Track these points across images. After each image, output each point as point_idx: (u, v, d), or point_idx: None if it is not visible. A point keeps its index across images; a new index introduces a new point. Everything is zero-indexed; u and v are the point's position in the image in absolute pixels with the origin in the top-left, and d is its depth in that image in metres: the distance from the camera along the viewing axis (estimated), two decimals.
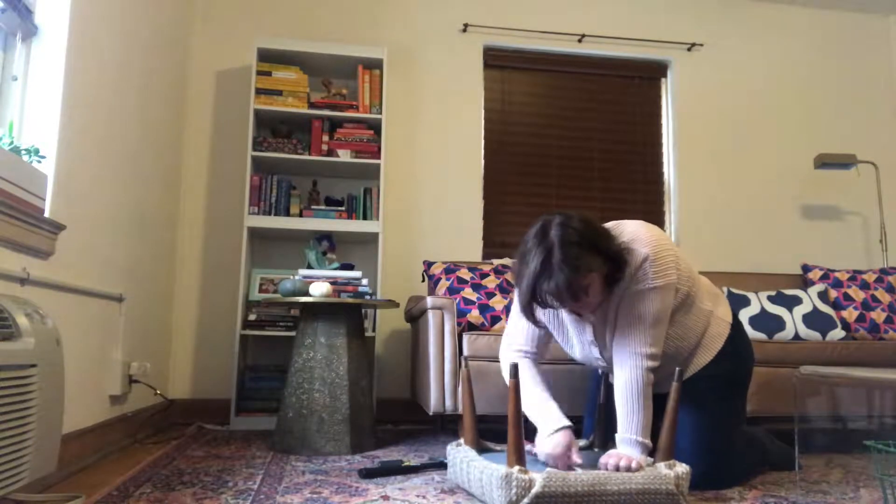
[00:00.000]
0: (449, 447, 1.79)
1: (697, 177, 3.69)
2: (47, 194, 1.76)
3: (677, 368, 1.62)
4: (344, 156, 3.09)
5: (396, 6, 3.54)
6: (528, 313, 1.66)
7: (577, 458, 1.63)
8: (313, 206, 3.10)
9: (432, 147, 3.48)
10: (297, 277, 2.54)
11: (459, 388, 2.36)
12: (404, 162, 3.44)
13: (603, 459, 1.58)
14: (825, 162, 3.50)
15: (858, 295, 2.98)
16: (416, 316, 2.76)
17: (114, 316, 2.29)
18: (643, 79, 3.77)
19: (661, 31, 3.76)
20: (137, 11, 2.45)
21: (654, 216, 3.65)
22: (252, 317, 2.97)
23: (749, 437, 1.99)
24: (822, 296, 2.92)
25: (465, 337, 2.42)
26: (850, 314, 2.91)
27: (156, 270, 2.82)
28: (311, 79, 3.27)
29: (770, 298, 2.89)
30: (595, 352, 1.79)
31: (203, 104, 3.31)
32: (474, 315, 2.58)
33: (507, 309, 2.62)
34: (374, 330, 3.10)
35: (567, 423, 1.69)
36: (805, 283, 3.20)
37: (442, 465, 2.00)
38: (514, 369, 1.52)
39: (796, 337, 2.78)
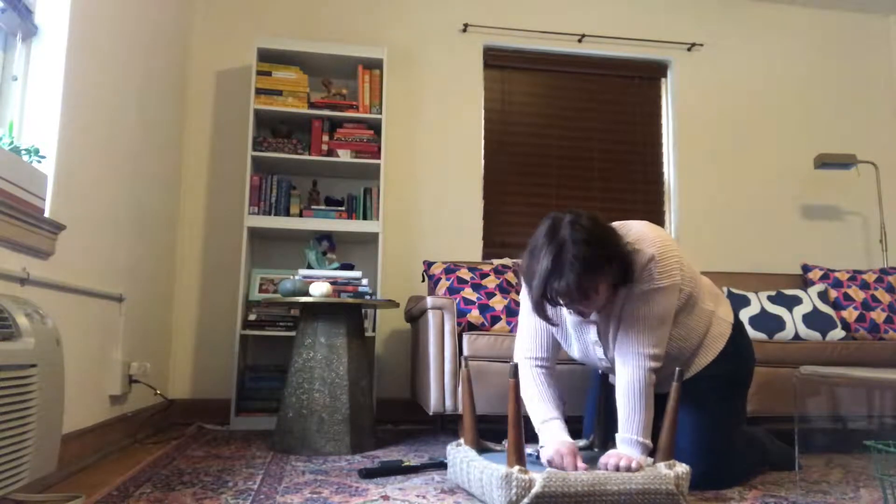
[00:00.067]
0: (449, 447, 1.79)
1: (697, 177, 3.69)
2: (47, 194, 1.76)
3: (677, 368, 1.62)
4: (344, 156, 3.09)
5: (396, 6, 3.54)
6: (540, 311, 1.65)
7: (581, 464, 1.61)
8: (313, 206, 3.10)
9: (432, 147, 3.48)
10: (297, 277, 2.54)
11: (459, 388, 2.36)
12: (404, 162, 3.44)
13: (603, 459, 1.58)
14: (825, 162, 3.50)
15: (858, 295, 2.98)
16: (416, 316, 2.76)
17: (114, 316, 2.29)
18: (643, 79, 3.77)
19: (661, 31, 3.76)
20: (137, 11, 2.45)
21: (654, 216, 3.65)
22: (252, 317, 2.97)
23: (749, 437, 1.99)
24: (822, 296, 2.92)
25: (465, 337, 2.42)
26: (850, 314, 2.91)
27: (156, 270, 2.82)
28: (311, 79, 3.27)
29: (770, 298, 2.89)
30: (599, 352, 1.79)
31: (203, 104, 3.31)
32: (474, 315, 2.58)
33: (507, 309, 2.62)
34: (374, 330, 3.10)
35: (570, 441, 1.67)
36: (805, 283, 3.20)
37: (442, 465, 2.00)
38: (514, 369, 1.52)
39: (796, 337, 2.78)
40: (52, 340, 1.42)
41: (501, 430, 2.67)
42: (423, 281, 3.03)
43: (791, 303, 2.87)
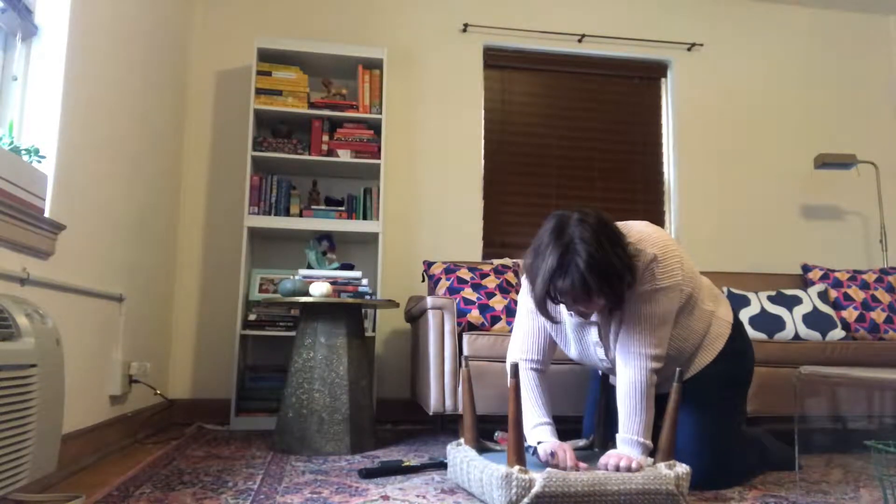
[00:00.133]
0: (449, 447, 1.79)
1: (697, 177, 3.69)
2: (47, 194, 1.76)
3: (678, 369, 1.62)
4: (344, 156, 3.09)
5: (396, 6, 3.54)
6: (542, 309, 1.64)
7: (580, 463, 1.61)
8: (313, 206, 3.10)
9: (432, 147, 3.48)
10: (297, 277, 2.54)
11: (459, 388, 2.36)
12: (404, 162, 3.44)
13: (603, 460, 1.58)
14: (825, 162, 3.50)
15: (858, 295, 2.98)
16: (416, 316, 2.76)
17: (114, 316, 2.29)
18: (643, 79, 3.77)
19: (661, 31, 3.76)
20: (137, 11, 2.45)
21: (655, 216, 3.65)
22: (252, 317, 2.97)
23: (749, 437, 1.99)
24: (822, 296, 2.92)
25: (465, 337, 2.42)
26: (850, 314, 2.91)
27: (156, 270, 2.82)
28: (311, 79, 3.27)
29: (770, 298, 2.89)
30: (600, 353, 1.79)
31: (203, 104, 3.31)
32: (474, 315, 2.58)
33: (507, 309, 2.62)
34: (374, 330, 3.10)
35: (558, 443, 1.67)
36: (805, 283, 3.20)
37: (442, 465, 2.00)
38: (515, 369, 1.52)
39: (796, 337, 2.78)
40: (52, 340, 1.42)
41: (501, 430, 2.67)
42: (423, 281, 3.03)
43: (791, 303, 2.87)
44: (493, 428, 2.81)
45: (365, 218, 3.11)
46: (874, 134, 3.89)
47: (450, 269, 2.82)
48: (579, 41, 3.67)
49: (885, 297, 2.97)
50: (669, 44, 3.74)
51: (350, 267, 2.85)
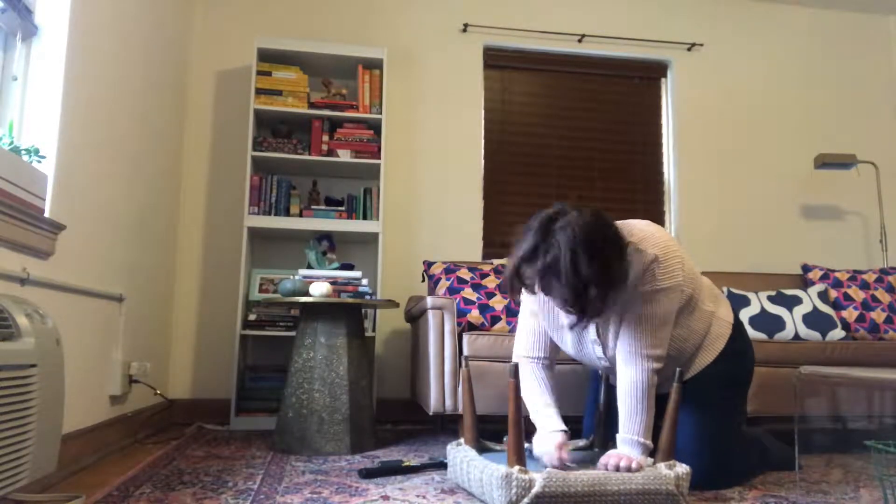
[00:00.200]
0: (449, 447, 1.79)
1: (697, 177, 3.69)
2: (47, 194, 1.76)
3: (678, 369, 1.62)
4: (344, 156, 3.09)
5: (396, 6, 3.54)
6: (510, 290, 1.60)
7: (565, 454, 1.63)
8: (313, 206, 3.10)
9: (432, 147, 3.48)
10: (297, 277, 2.54)
11: (459, 388, 2.36)
12: (404, 162, 3.44)
13: (603, 460, 1.58)
14: (825, 162, 3.50)
15: (858, 295, 2.98)
16: (416, 316, 2.76)
17: (114, 316, 2.29)
18: (643, 79, 3.77)
19: (661, 31, 3.76)
20: (137, 11, 2.45)
21: (655, 216, 3.65)
22: (252, 317, 2.97)
23: (749, 437, 1.99)
24: (822, 296, 2.92)
25: (465, 337, 2.42)
26: (850, 314, 2.91)
27: (156, 270, 2.82)
28: (311, 79, 3.27)
29: (770, 298, 2.89)
30: (598, 351, 1.79)
31: (203, 104, 3.31)
32: (474, 315, 2.58)
33: (507, 309, 2.62)
34: (374, 330, 3.10)
35: (562, 427, 1.70)
36: (805, 283, 3.20)
37: (442, 465, 2.00)
38: (514, 369, 1.52)
39: (796, 337, 2.78)
40: (52, 340, 1.42)
41: (501, 430, 2.67)
42: (423, 281, 3.03)
43: (791, 303, 2.87)
44: (493, 428, 2.82)
45: (365, 218, 3.11)
46: (874, 134, 3.89)
47: (450, 269, 2.82)
48: (579, 41, 3.67)
49: (885, 297, 2.97)
50: (669, 44, 3.74)
51: (350, 267, 2.85)
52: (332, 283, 2.55)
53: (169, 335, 3.09)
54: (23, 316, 1.34)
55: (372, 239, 3.19)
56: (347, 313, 2.44)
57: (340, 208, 3.11)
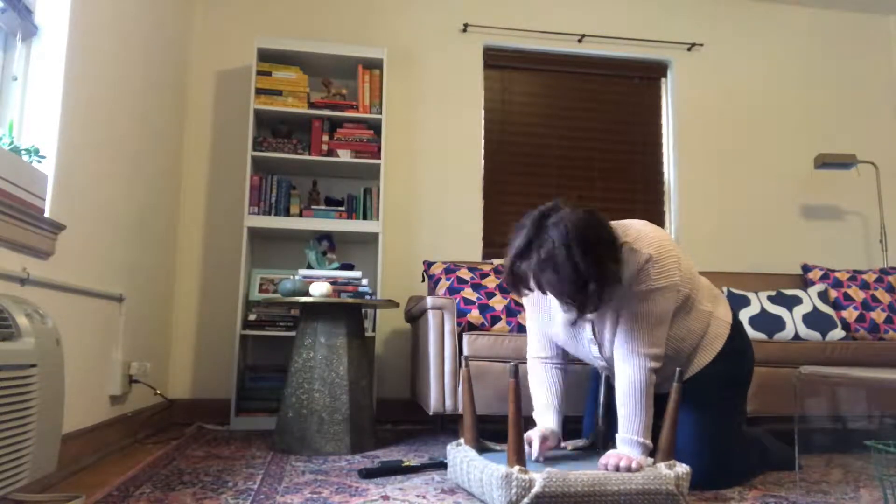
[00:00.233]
0: (449, 447, 1.79)
1: (697, 177, 3.69)
2: (47, 194, 1.76)
3: (677, 369, 1.62)
4: (344, 156, 3.09)
5: (396, 6, 3.54)
6: (509, 285, 1.61)
7: (535, 448, 1.70)
8: (313, 206, 3.10)
9: (432, 147, 3.48)
10: (297, 277, 2.54)
11: (459, 388, 2.36)
12: (404, 162, 3.44)
13: (603, 460, 1.58)
14: (825, 162, 3.50)
15: (858, 295, 2.98)
16: (416, 316, 2.76)
17: (114, 316, 2.29)
18: (643, 79, 3.77)
19: (661, 31, 3.76)
20: (137, 11, 2.45)
21: (654, 216, 3.65)
22: (252, 317, 2.97)
23: (749, 437, 1.99)
24: (822, 296, 2.92)
25: (465, 337, 2.42)
26: (850, 314, 2.91)
27: (156, 270, 2.82)
28: (311, 79, 3.27)
29: (770, 298, 2.89)
30: (594, 350, 1.79)
31: (203, 104, 3.31)
32: (474, 315, 2.58)
33: (507, 309, 2.62)
34: (374, 330, 3.10)
35: (551, 426, 1.78)
36: (805, 283, 3.20)
37: (442, 465, 2.00)
38: (514, 369, 1.52)
39: (796, 337, 2.78)
40: (52, 340, 1.42)
41: (501, 430, 2.68)
42: (423, 281, 3.03)
43: (791, 303, 2.87)
44: (494, 428, 2.82)
45: (365, 218, 3.11)
46: (874, 134, 3.89)
47: (450, 269, 2.82)
48: (579, 41, 3.67)
49: (885, 297, 2.97)
50: (669, 44, 3.74)
51: (350, 267, 2.85)
52: (332, 283, 2.55)
53: (169, 335, 3.09)
54: (23, 316, 1.34)
55: (372, 239, 3.19)
56: (347, 313, 2.44)
57: (340, 208, 3.11)
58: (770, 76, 3.86)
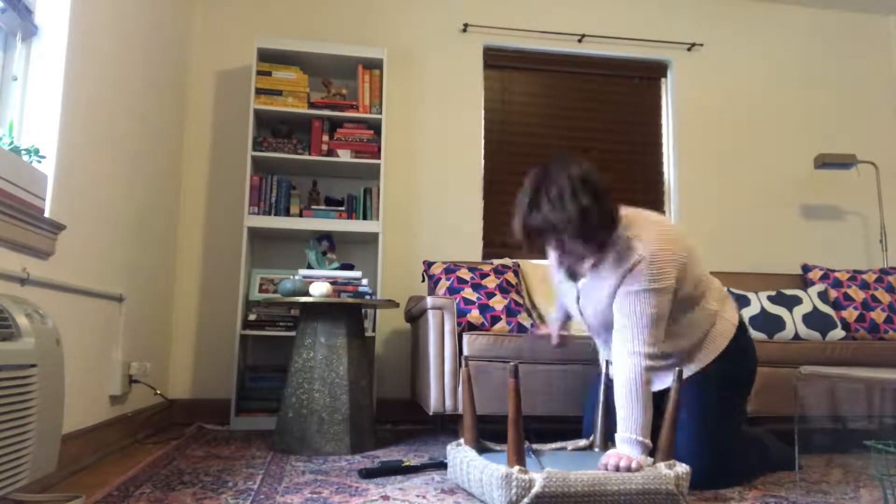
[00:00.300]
0: (449, 447, 1.79)
1: (697, 177, 3.69)
2: (47, 194, 1.76)
3: (677, 369, 1.62)
4: (344, 156, 3.09)
5: (396, 6, 3.54)
6: (520, 238, 1.74)
7: (548, 331, 2.12)
8: (313, 206, 3.10)
9: (432, 147, 3.48)
10: (297, 277, 2.54)
11: (459, 388, 2.36)
12: (404, 162, 3.44)
13: (603, 460, 1.58)
14: (825, 162, 3.50)
15: (858, 295, 2.98)
16: (416, 316, 2.76)
17: (114, 316, 2.29)
18: (643, 79, 3.77)
19: (661, 31, 3.76)
20: (137, 11, 2.45)
21: None
22: (252, 317, 2.97)
23: (749, 437, 1.99)
24: (822, 296, 2.92)
25: (465, 337, 2.42)
26: (850, 314, 2.91)
27: (156, 270, 2.82)
28: (311, 79, 3.27)
29: (770, 298, 2.89)
30: (576, 313, 1.92)
31: (203, 104, 3.31)
32: (474, 315, 2.58)
33: (507, 309, 2.62)
34: (374, 330, 3.10)
35: (554, 326, 2.13)
36: (805, 283, 3.20)
37: (442, 465, 2.00)
38: (514, 369, 1.52)
39: (796, 337, 2.78)
40: (52, 340, 1.42)
41: (502, 430, 2.68)
42: (423, 281, 3.03)
43: (791, 303, 2.87)
44: (494, 428, 2.82)
45: (365, 218, 3.11)
46: (874, 134, 3.89)
47: (450, 269, 2.82)
48: (579, 41, 3.67)
49: (885, 297, 2.97)
50: (669, 44, 3.74)
51: (350, 267, 2.85)
52: (332, 283, 2.55)
53: (169, 335, 3.09)
54: (23, 316, 1.34)
55: (372, 239, 3.19)
56: (347, 313, 2.44)
57: (340, 208, 3.11)
58: (770, 76, 3.86)
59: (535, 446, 1.86)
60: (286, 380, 2.40)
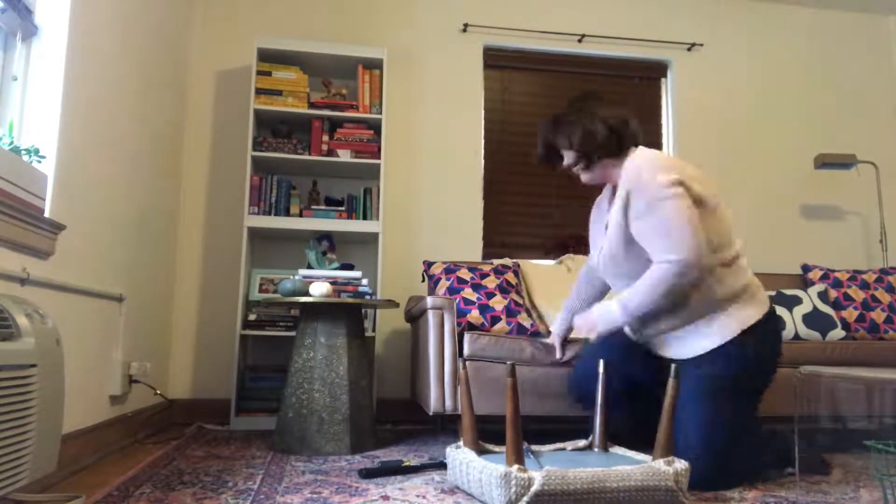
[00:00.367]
0: (448, 449, 1.79)
1: None
2: (47, 194, 1.76)
3: (673, 366, 1.61)
4: (344, 156, 3.09)
5: (396, 6, 3.54)
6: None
7: (553, 342, 2.31)
8: (313, 206, 3.10)
9: (432, 147, 3.48)
10: (297, 277, 2.54)
11: (459, 389, 2.36)
12: (404, 162, 3.44)
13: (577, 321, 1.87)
14: (825, 162, 3.50)
15: (858, 295, 2.98)
16: (416, 316, 2.76)
17: (114, 316, 2.29)
18: (643, 79, 3.77)
19: (661, 31, 3.76)
20: (137, 11, 2.45)
21: None
22: (252, 317, 2.97)
23: (753, 437, 1.96)
24: (822, 296, 2.92)
25: (466, 337, 2.42)
26: (850, 314, 2.91)
27: (156, 270, 2.82)
28: (311, 79, 3.27)
29: (770, 298, 2.89)
30: (602, 263, 1.98)
31: (203, 104, 3.31)
32: (474, 315, 2.58)
33: (507, 309, 2.62)
34: (374, 330, 3.10)
35: (560, 330, 2.29)
36: (805, 283, 3.20)
37: (442, 465, 2.00)
38: (512, 369, 1.52)
39: (796, 337, 2.78)
40: (52, 340, 1.42)
41: (502, 430, 2.68)
42: (423, 281, 3.03)
43: (791, 303, 2.87)
44: (494, 428, 2.82)
45: (365, 218, 3.11)
46: (874, 134, 3.89)
47: (450, 269, 2.82)
48: (579, 41, 3.67)
49: (885, 297, 2.97)
50: (669, 44, 3.75)
51: (350, 267, 2.85)
52: (332, 283, 2.55)
53: (169, 335, 3.09)
54: (23, 316, 1.34)
55: (372, 239, 3.20)
56: (347, 313, 2.44)
57: (340, 208, 3.11)
58: (770, 76, 3.86)
59: (534, 447, 1.86)
60: (286, 380, 2.41)
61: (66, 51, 1.86)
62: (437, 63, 3.54)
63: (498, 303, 2.63)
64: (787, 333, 2.78)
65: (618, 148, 1.97)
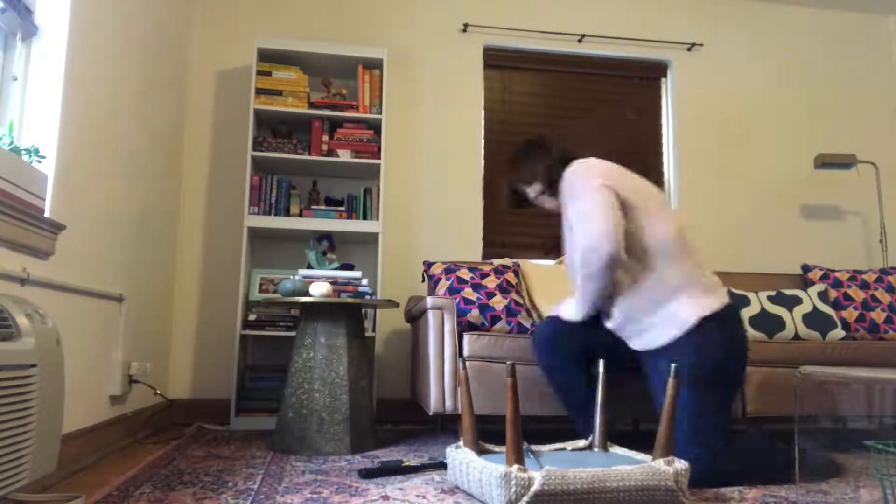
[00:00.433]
0: (448, 449, 1.79)
1: (697, 177, 3.70)
2: (47, 194, 1.76)
3: (673, 365, 1.61)
4: (344, 156, 3.09)
5: (396, 6, 3.54)
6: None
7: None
8: (313, 206, 3.10)
9: (432, 147, 3.48)
10: (297, 277, 2.54)
11: (459, 389, 2.36)
12: (404, 162, 3.44)
13: None
14: (825, 162, 3.50)
15: (858, 295, 2.98)
16: (416, 316, 2.76)
17: (114, 316, 2.29)
18: (643, 79, 3.77)
19: (661, 31, 3.76)
20: (137, 11, 2.45)
21: None
22: (252, 317, 2.97)
23: (744, 438, 1.96)
24: (822, 296, 2.92)
25: (466, 337, 2.42)
26: (850, 314, 2.91)
27: (156, 270, 2.82)
28: (311, 79, 3.27)
29: (770, 298, 2.89)
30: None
31: (203, 104, 3.31)
32: (474, 315, 2.58)
33: (507, 309, 2.62)
34: (374, 330, 3.10)
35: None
36: (805, 283, 3.20)
37: (442, 466, 2.00)
38: (512, 369, 1.52)
39: (796, 337, 2.78)
40: (52, 340, 1.43)
41: (502, 430, 2.68)
42: (423, 281, 3.03)
43: (791, 303, 2.87)
44: (494, 428, 2.82)
45: (365, 218, 3.11)
46: (874, 134, 3.89)
47: (450, 270, 2.82)
48: (579, 41, 3.67)
49: (885, 297, 2.97)
50: (669, 44, 3.75)
51: (350, 267, 2.85)
52: (332, 283, 2.55)
53: (169, 335, 3.09)
54: (23, 316, 1.34)
55: (372, 239, 3.20)
56: (347, 313, 2.44)
57: (340, 208, 3.11)
58: (770, 76, 3.86)
59: (534, 447, 1.86)
60: (286, 380, 2.41)
61: (66, 51, 1.86)
62: (437, 63, 3.54)
63: (498, 302, 2.63)
64: (787, 333, 2.78)
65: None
